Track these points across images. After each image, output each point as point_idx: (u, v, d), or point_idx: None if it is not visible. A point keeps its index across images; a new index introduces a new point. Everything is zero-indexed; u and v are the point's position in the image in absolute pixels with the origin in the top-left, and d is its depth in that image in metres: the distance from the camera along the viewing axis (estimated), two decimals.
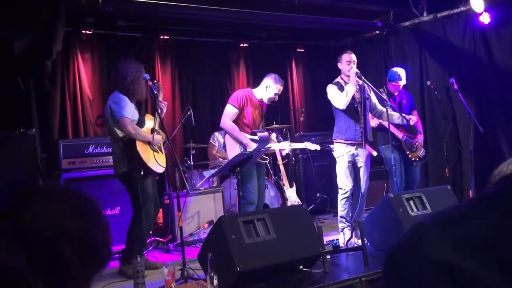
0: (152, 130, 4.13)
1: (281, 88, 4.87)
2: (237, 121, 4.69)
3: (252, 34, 7.36)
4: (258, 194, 4.81)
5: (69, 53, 6.04)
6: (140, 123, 4.12)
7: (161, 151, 4.24)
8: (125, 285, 3.69)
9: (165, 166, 4.26)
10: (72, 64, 6.08)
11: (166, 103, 4.26)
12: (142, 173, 3.93)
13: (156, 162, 4.05)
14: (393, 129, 5.05)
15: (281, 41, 7.78)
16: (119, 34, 6.31)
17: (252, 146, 4.59)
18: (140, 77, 4.10)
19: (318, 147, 5.62)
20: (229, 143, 4.67)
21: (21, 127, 4.77)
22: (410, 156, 5.50)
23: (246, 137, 4.67)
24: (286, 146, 5.50)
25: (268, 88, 4.80)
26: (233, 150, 4.60)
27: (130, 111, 4.00)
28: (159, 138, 4.15)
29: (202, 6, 5.63)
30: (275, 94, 4.82)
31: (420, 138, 5.48)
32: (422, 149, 5.52)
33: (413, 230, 0.69)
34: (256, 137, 4.75)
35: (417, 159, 5.48)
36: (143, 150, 3.99)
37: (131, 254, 3.94)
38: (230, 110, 4.67)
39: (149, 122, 4.21)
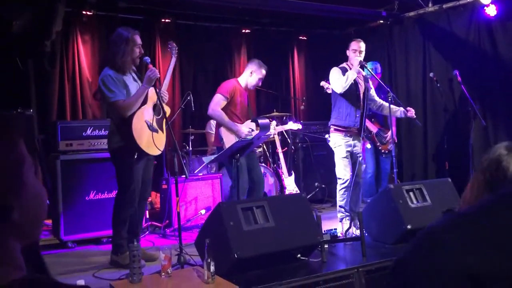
0: (155, 106, 3.90)
1: (265, 73, 4.90)
2: (226, 110, 4.72)
3: (255, 20, 7.27)
4: (257, 180, 4.85)
5: (69, 34, 5.96)
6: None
7: (161, 129, 3.96)
8: (121, 271, 3.66)
9: (162, 148, 3.99)
10: (72, 45, 6.00)
11: (167, 93, 4.04)
12: (135, 156, 3.74)
13: (153, 143, 3.81)
14: (367, 122, 5.17)
15: (284, 28, 7.69)
16: (120, 16, 6.23)
17: (242, 132, 4.66)
18: (128, 46, 3.81)
19: (300, 126, 5.72)
20: (225, 134, 4.68)
21: (19, 107, 4.72)
22: (380, 148, 6.03)
23: (235, 124, 4.70)
24: (290, 126, 5.50)
25: (253, 74, 4.85)
26: (230, 141, 4.62)
27: (121, 89, 3.76)
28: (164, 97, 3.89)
29: None
30: (259, 79, 4.88)
31: (392, 133, 5.52)
32: (392, 144, 5.61)
33: (422, 238, 0.65)
34: (248, 125, 4.83)
35: (386, 151, 5.71)
36: (138, 130, 3.76)
37: (120, 242, 3.87)
38: (219, 99, 4.70)
39: (154, 97, 3.90)
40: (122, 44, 3.81)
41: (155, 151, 3.90)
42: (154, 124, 3.88)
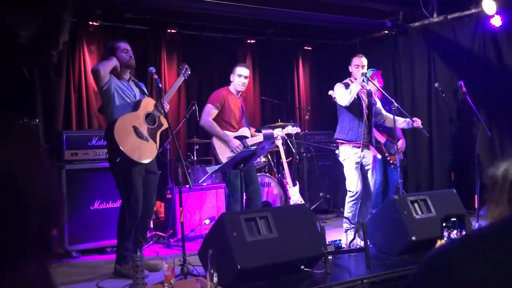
0: (148, 115, 3.91)
1: (245, 70, 4.86)
2: (217, 119, 4.74)
3: (260, 31, 7.31)
4: (254, 190, 4.83)
5: (76, 44, 6.01)
6: (135, 106, 3.90)
7: (153, 139, 3.94)
8: (125, 281, 3.66)
9: (151, 157, 3.90)
10: (78, 55, 6.05)
11: (168, 105, 4.07)
12: (118, 160, 3.69)
13: (140, 150, 3.78)
14: (375, 132, 5.15)
15: (289, 39, 7.72)
16: (126, 27, 6.27)
17: (233, 144, 4.65)
18: (113, 54, 3.92)
19: (298, 130, 5.58)
20: (218, 144, 4.69)
21: (25, 116, 4.75)
22: (388, 158, 5.88)
23: (226, 135, 4.70)
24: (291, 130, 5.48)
25: (234, 77, 4.84)
26: (222, 151, 4.65)
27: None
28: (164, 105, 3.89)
29: (210, 0, 5.59)
30: (244, 77, 4.81)
31: (401, 143, 5.50)
32: (401, 154, 5.60)
33: (428, 262, 0.61)
34: (239, 134, 4.82)
35: (395, 162, 5.73)
36: (122, 132, 3.72)
37: (124, 253, 3.87)
38: (209, 109, 4.74)
39: (148, 107, 3.96)
40: (108, 53, 3.98)
41: (141, 158, 3.81)
42: (145, 132, 3.87)
